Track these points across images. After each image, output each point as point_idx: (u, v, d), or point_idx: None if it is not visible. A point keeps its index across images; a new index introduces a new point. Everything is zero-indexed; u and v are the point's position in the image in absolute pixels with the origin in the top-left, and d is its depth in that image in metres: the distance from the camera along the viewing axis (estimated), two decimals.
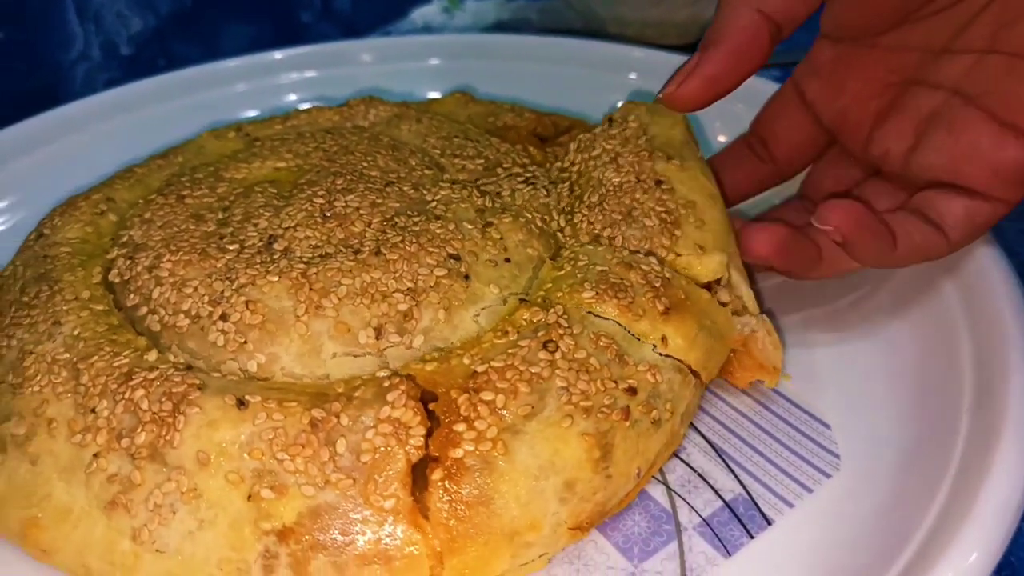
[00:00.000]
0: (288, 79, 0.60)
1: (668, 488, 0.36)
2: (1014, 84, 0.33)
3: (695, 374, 0.36)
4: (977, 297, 0.38)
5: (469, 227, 0.38)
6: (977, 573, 0.28)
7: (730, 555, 0.33)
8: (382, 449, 0.30)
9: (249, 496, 0.30)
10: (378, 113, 0.50)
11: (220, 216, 0.40)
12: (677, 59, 0.60)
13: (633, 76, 0.61)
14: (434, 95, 0.59)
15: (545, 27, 0.84)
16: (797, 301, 0.44)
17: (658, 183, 0.40)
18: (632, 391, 0.33)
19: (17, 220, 0.52)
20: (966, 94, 0.35)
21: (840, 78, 0.40)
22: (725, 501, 0.35)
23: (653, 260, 0.38)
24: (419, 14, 0.92)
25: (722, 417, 0.39)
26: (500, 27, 0.87)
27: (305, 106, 0.52)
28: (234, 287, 0.35)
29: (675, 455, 0.37)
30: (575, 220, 0.40)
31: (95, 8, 0.62)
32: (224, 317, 0.35)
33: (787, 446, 0.37)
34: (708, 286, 0.38)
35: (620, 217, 0.39)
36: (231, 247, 0.37)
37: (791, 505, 0.35)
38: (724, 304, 0.38)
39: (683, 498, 0.35)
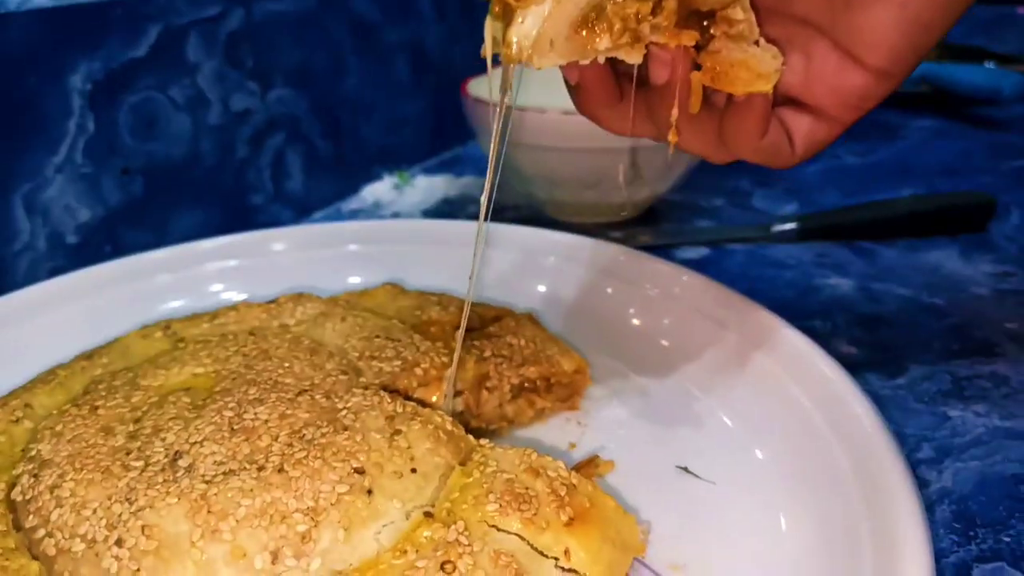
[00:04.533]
0: (214, 268, 0.62)
1: None
2: (851, 15, 0.36)
3: None
4: (870, 475, 0.38)
5: (377, 436, 0.39)
6: None
7: None
8: None
9: None
10: (305, 311, 0.52)
11: (131, 428, 0.40)
12: (592, 243, 0.63)
13: (551, 260, 0.63)
14: (355, 280, 0.61)
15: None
16: (680, 495, 0.44)
17: None
18: None
19: None
20: (816, 25, 0.38)
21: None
22: None
23: (561, 466, 0.39)
24: (369, 191, 0.96)
25: None
26: (447, 203, 0.92)
27: (229, 294, 0.54)
28: (132, 509, 0.35)
29: None
30: None
31: (44, 203, 0.65)
32: (120, 542, 0.34)
33: None
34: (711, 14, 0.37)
35: None
36: (136, 464, 0.37)
37: None
38: (738, 21, 0.37)
39: None
